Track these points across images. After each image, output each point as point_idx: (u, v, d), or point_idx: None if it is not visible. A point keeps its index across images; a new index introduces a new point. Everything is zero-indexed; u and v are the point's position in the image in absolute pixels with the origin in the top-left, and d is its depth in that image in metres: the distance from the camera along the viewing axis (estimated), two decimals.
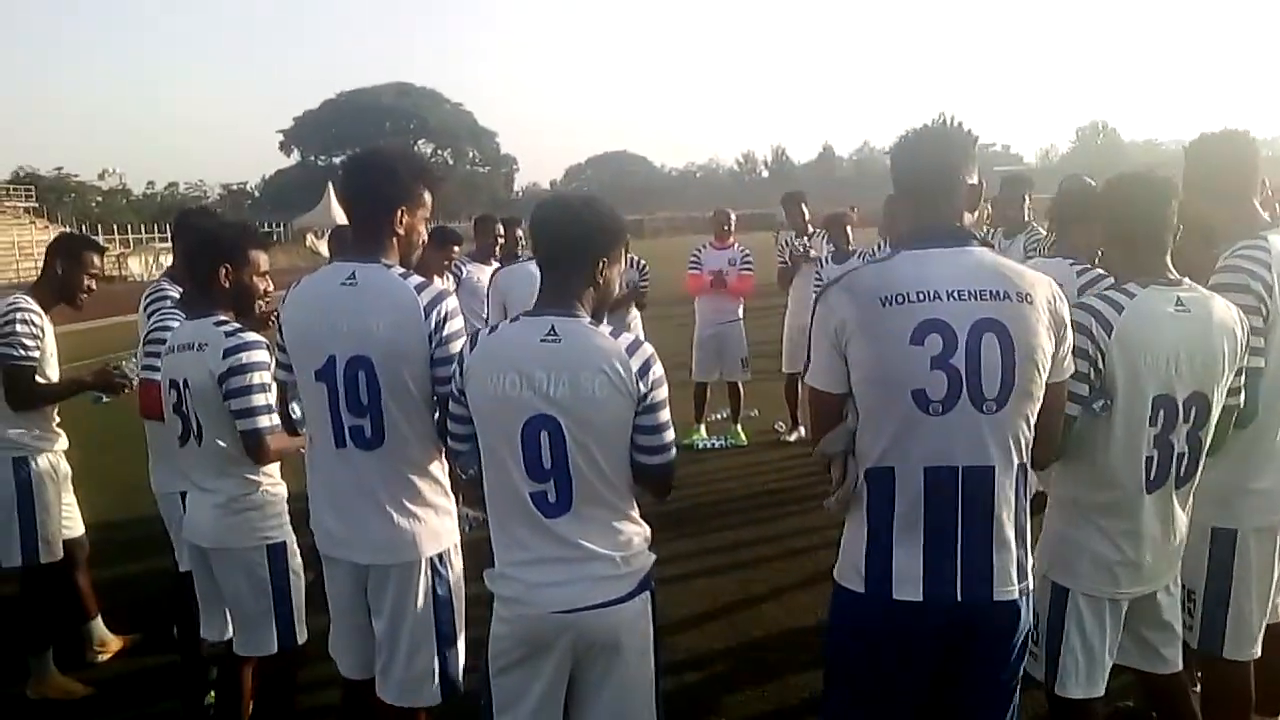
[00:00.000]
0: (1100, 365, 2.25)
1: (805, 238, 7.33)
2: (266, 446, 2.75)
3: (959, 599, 1.97)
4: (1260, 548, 2.64)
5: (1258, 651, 2.66)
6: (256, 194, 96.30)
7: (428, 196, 2.53)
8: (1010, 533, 1.99)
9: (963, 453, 1.95)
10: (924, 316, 1.93)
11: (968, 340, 1.92)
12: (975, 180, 2.08)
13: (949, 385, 1.93)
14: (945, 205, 2.05)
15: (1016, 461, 1.99)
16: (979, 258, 2.01)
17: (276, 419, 2.74)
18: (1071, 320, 2.20)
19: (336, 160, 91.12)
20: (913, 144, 2.10)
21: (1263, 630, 2.68)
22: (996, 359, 1.93)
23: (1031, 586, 2.06)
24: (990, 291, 1.95)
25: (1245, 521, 2.61)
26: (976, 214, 2.12)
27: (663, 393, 2.13)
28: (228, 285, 2.86)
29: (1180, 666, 2.50)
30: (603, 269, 2.17)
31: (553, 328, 2.10)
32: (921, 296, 1.94)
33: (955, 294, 1.94)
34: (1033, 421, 2.01)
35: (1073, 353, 2.18)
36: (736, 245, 7.38)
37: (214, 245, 2.91)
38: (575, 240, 2.16)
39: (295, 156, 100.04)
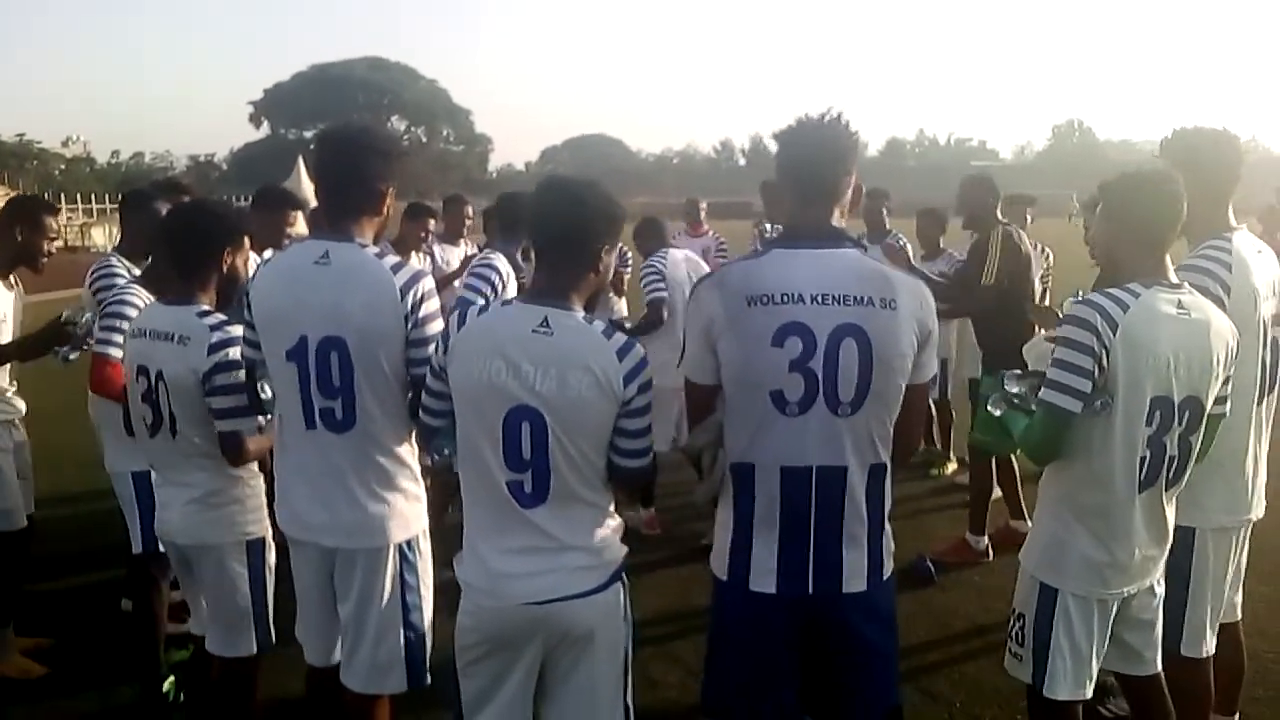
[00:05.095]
0: (1104, 363, 2.24)
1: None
2: (246, 450, 2.63)
3: (810, 591, 2.07)
4: (1218, 548, 2.67)
5: (1211, 649, 2.70)
6: (224, 166, 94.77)
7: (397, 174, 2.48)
8: (861, 530, 2.07)
9: (817, 453, 2.02)
10: (786, 319, 1.97)
11: (827, 345, 1.97)
12: (854, 179, 2.11)
13: (805, 388, 1.99)
14: (823, 202, 2.09)
15: (871, 461, 2.05)
16: (848, 260, 2.04)
17: (258, 420, 2.62)
18: (1076, 316, 2.26)
19: (307, 134, 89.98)
20: (799, 135, 2.11)
21: (1215, 628, 2.71)
22: (854, 364, 1.98)
23: (887, 576, 2.13)
24: (854, 297, 1.98)
25: (1204, 521, 2.64)
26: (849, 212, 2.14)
27: (647, 398, 2.10)
28: (224, 269, 2.69)
29: (1159, 668, 2.51)
30: (603, 256, 2.14)
31: (546, 319, 2.05)
32: (785, 299, 1.98)
33: (819, 298, 1.98)
34: (891, 422, 2.06)
35: (1075, 348, 2.24)
36: (711, 234, 7.34)
37: (219, 228, 2.71)
38: (579, 227, 2.10)
39: (265, 129, 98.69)
